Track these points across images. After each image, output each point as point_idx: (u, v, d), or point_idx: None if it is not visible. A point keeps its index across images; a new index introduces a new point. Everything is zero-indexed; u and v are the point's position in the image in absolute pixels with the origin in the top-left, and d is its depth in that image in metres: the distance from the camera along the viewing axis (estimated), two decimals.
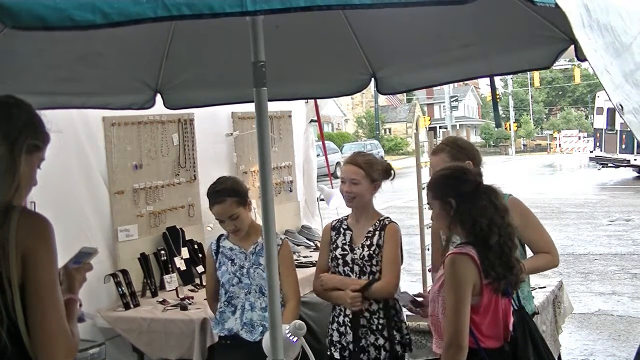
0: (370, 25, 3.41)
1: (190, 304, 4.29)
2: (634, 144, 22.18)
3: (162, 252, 4.85)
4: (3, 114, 1.88)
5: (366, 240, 3.42)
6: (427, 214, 3.63)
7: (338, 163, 30.33)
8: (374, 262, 3.38)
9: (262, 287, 3.39)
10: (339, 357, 3.42)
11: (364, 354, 3.36)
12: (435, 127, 43.05)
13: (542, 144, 52.98)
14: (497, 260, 2.60)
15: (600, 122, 24.89)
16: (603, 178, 24.17)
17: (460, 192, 2.65)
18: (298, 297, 3.51)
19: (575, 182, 24.07)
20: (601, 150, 24.69)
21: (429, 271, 4.12)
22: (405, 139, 50.06)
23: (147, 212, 4.87)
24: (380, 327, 3.36)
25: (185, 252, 5.00)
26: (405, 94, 49.82)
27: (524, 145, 54.77)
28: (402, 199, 17.13)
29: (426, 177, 3.37)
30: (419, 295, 3.17)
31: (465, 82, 39.63)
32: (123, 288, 4.37)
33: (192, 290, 4.72)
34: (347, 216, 3.58)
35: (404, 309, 3.43)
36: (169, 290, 4.68)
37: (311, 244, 5.97)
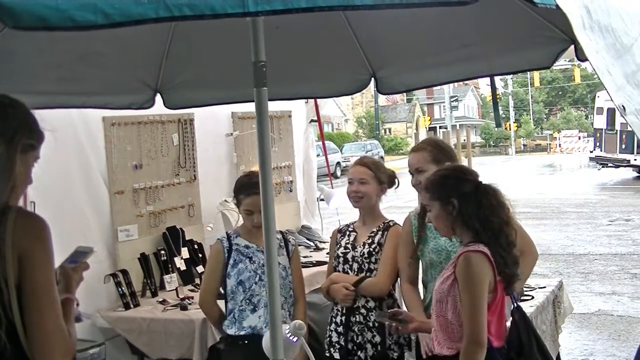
0: (370, 26, 3.41)
1: (190, 304, 4.28)
2: (634, 144, 22.18)
3: (162, 252, 4.85)
4: None
5: (368, 239, 3.45)
6: None
7: (338, 163, 30.38)
8: (372, 259, 3.40)
9: (281, 285, 3.37)
10: (338, 358, 3.43)
11: (361, 350, 3.36)
12: (435, 127, 43.11)
13: (542, 144, 52.98)
14: (507, 257, 2.61)
15: (600, 122, 24.89)
16: (603, 178, 24.17)
17: (462, 192, 2.64)
18: (305, 298, 3.59)
19: (575, 182, 24.07)
20: (601, 150, 24.69)
21: None
22: (405, 139, 50.07)
23: (147, 212, 4.87)
24: (376, 324, 3.36)
25: (185, 252, 5.01)
26: (405, 94, 49.82)
27: (524, 145, 54.77)
28: (402, 199, 17.12)
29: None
30: (395, 312, 3.07)
31: (465, 82, 39.67)
32: (123, 288, 4.37)
33: (192, 290, 4.72)
34: (354, 222, 3.61)
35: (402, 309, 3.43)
36: (169, 290, 4.68)
37: (311, 244, 5.98)
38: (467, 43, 3.25)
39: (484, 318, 2.53)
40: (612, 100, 2.06)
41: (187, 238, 5.10)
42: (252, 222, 3.39)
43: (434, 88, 42.07)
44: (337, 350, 3.43)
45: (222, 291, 3.53)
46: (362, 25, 3.42)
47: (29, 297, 1.81)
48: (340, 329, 3.43)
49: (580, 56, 2.45)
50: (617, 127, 22.77)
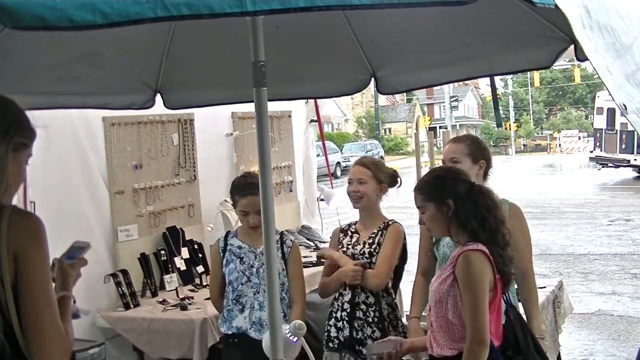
0: (370, 25, 3.41)
1: (190, 304, 4.29)
2: (634, 144, 22.18)
3: (162, 252, 4.85)
4: None
5: (369, 239, 3.47)
6: None
7: (338, 163, 30.38)
8: (373, 259, 3.41)
9: None
10: (337, 352, 3.43)
11: (361, 346, 3.37)
12: (435, 127, 43.05)
13: (542, 144, 52.97)
14: (505, 256, 2.62)
15: (600, 122, 24.89)
16: (603, 178, 24.17)
17: (458, 193, 2.65)
18: (304, 301, 3.55)
19: (575, 182, 24.07)
20: (601, 150, 24.69)
21: None
22: (405, 139, 50.05)
23: (147, 212, 4.87)
24: (376, 319, 3.38)
25: (185, 252, 5.01)
26: (405, 94, 49.83)
27: (524, 145, 54.76)
28: (402, 199, 17.12)
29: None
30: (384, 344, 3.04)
31: (465, 82, 39.64)
32: (123, 288, 4.37)
33: (192, 290, 4.73)
34: (356, 221, 3.62)
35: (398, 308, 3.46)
36: (169, 290, 4.68)
37: (311, 244, 5.97)
38: (467, 43, 3.24)
39: (486, 317, 2.53)
40: (613, 99, 2.06)
41: (187, 238, 5.10)
42: (248, 223, 3.41)
43: (434, 88, 42.05)
44: (335, 345, 3.44)
45: None
46: (362, 25, 3.42)
47: (25, 297, 1.81)
48: (339, 324, 3.43)
49: (580, 56, 2.45)
50: (617, 127, 22.77)
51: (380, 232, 3.46)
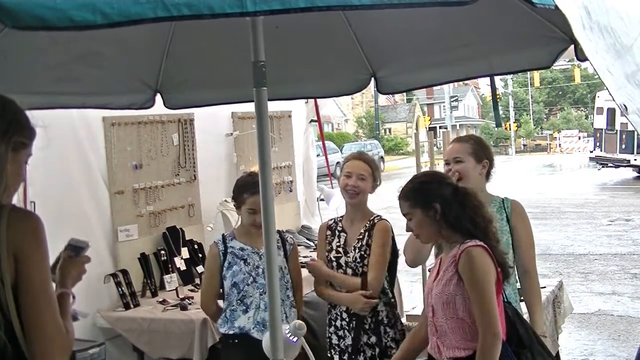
0: (370, 25, 3.41)
1: (190, 304, 4.29)
2: (634, 144, 22.17)
3: (162, 252, 4.85)
4: None
5: (357, 242, 3.45)
6: None
7: (338, 163, 30.27)
8: (365, 262, 3.41)
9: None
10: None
11: (359, 354, 3.37)
12: (435, 127, 43.02)
13: (542, 144, 52.95)
14: (500, 250, 2.65)
15: (600, 122, 24.88)
16: (603, 178, 24.17)
17: (443, 196, 2.67)
18: (302, 285, 3.69)
19: (575, 182, 24.06)
20: (601, 150, 24.68)
21: (429, 271, 4.10)
22: (405, 139, 50.03)
23: (147, 212, 4.87)
24: (372, 325, 3.38)
25: (185, 252, 5.01)
26: (405, 94, 49.82)
27: (524, 145, 54.74)
28: None
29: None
30: None
31: (465, 82, 39.66)
32: (123, 288, 4.38)
33: (192, 290, 4.73)
34: (342, 217, 3.59)
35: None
36: (169, 290, 4.68)
37: (311, 244, 5.97)
38: (467, 43, 3.24)
39: (496, 310, 2.55)
40: (613, 99, 2.06)
41: (187, 238, 5.10)
42: (254, 221, 3.39)
43: (434, 88, 42.07)
44: (337, 353, 3.44)
45: (222, 291, 3.54)
46: (362, 25, 3.42)
47: (25, 296, 1.81)
48: (340, 332, 3.43)
49: (580, 56, 2.45)
50: (617, 127, 22.75)
51: (367, 232, 3.44)
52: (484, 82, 51.57)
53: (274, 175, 5.85)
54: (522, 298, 3.32)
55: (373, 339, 3.36)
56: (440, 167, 3.66)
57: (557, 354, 4.40)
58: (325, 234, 3.57)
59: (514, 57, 3.28)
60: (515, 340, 2.72)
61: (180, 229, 5.06)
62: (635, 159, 22.76)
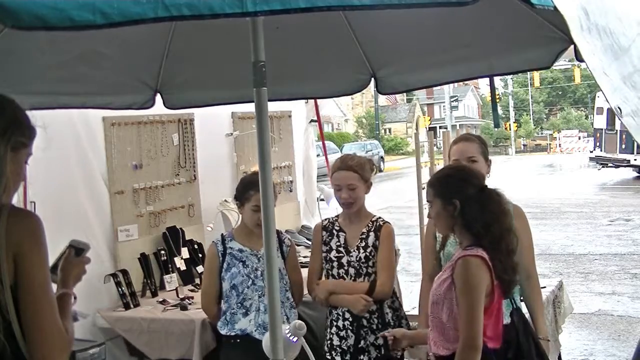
0: (370, 25, 3.41)
1: (190, 304, 4.28)
2: (634, 144, 22.13)
3: (162, 252, 4.85)
4: None
5: (361, 242, 3.43)
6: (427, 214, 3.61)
7: None
8: (370, 263, 3.39)
9: None
10: None
11: (363, 354, 3.36)
12: (435, 127, 43.04)
13: (542, 144, 52.97)
14: (506, 263, 2.61)
15: (600, 122, 24.88)
16: (603, 178, 24.17)
17: (465, 195, 2.64)
18: (302, 279, 3.67)
19: (575, 182, 24.06)
20: (601, 150, 24.68)
21: None
22: (405, 139, 50.04)
23: (147, 212, 4.87)
24: (380, 326, 3.37)
25: (185, 252, 5.00)
26: (405, 94, 49.81)
27: (524, 145, 54.76)
28: (402, 199, 17.13)
29: (426, 177, 3.35)
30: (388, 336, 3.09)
31: (465, 82, 39.60)
32: (123, 288, 4.37)
33: (192, 290, 4.72)
34: (337, 216, 3.58)
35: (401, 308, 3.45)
36: (169, 290, 4.67)
37: (311, 244, 5.97)
38: (467, 43, 3.25)
39: (480, 322, 2.54)
40: (608, 102, 2.06)
41: (187, 238, 5.10)
42: (259, 219, 3.39)
43: (434, 88, 42.01)
44: (338, 354, 3.43)
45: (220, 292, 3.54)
46: (362, 25, 3.42)
47: (25, 296, 1.81)
48: (342, 332, 3.42)
49: (580, 57, 2.45)
50: (617, 127, 22.73)
51: (371, 233, 3.43)
52: (484, 82, 51.42)
53: (274, 175, 5.85)
54: (521, 298, 3.32)
55: (380, 340, 3.34)
56: (441, 167, 3.66)
57: (559, 356, 4.40)
58: (321, 235, 3.55)
59: (514, 57, 3.28)
60: (514, 348, 2.73)
61: (180, 229, 5.06)
62: (635, 159, 22.76)
